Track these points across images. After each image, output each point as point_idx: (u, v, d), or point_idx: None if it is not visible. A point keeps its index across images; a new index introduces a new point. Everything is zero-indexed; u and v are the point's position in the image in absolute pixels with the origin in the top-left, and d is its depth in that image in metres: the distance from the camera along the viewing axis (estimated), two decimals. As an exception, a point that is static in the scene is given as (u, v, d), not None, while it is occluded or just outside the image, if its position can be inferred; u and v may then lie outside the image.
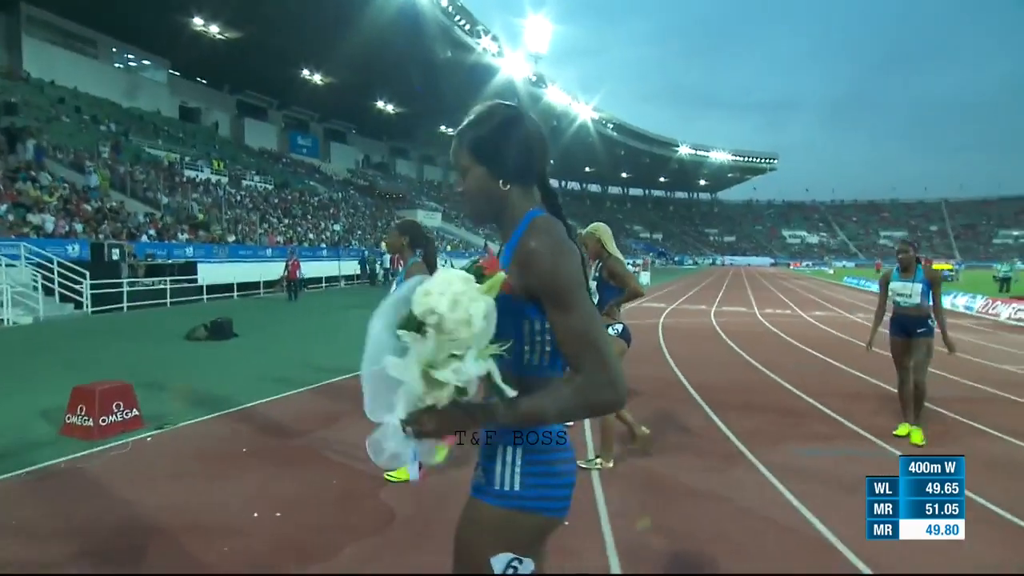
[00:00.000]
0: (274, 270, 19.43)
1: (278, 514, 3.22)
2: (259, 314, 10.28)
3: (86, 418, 4.48)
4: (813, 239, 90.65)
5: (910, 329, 4.51)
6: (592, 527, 3.12)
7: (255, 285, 18.49)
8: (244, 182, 30.47)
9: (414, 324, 1.03)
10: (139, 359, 7.92)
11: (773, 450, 4.36)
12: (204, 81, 38.87)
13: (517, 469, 1.20)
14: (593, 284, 3.92)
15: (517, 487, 1.19)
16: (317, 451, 4.29)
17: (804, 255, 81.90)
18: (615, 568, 2.75)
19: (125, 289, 13.80)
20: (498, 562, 1.17)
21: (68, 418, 4.56)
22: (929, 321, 4.48)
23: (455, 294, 1.02)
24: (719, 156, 78.96)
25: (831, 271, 51.81)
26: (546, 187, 1.28)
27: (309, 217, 29.90)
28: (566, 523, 1.31)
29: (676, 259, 72.95)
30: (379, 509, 3.32)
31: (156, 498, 3.45)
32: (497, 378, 1.06)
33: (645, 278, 30.40)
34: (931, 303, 4.48)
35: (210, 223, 22.19)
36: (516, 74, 41.08)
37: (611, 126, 56.99)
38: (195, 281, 16.09)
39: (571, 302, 1.10)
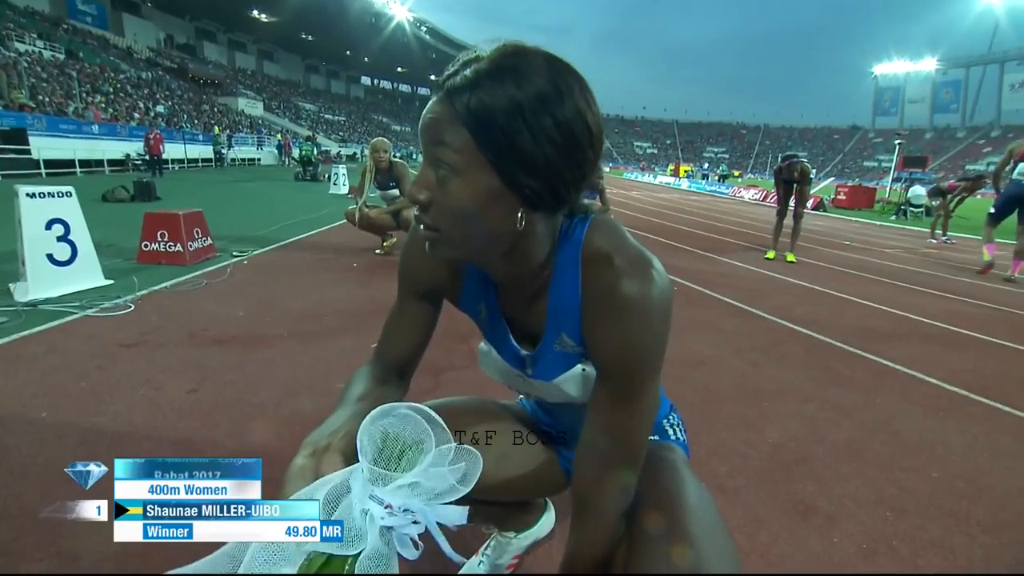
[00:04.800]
0: (113, 149, 15.51)
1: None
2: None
3: (172, 244, 3.73)
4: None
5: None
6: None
7: (99, 163, 14.48)
8: (20, 45, 22.28)
9: None
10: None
11: (729, 255, 5.51)
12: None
13: None
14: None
15: None
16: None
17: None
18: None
19: (-61, 157, 10.01)
20: None
21: (146, 245, 3.74)
22: None
23: None
24: (513, 68, 79.48)
25: (608, 169, 57.72)
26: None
27: (123, 96, 23.47)
28: None
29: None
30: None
31: (322, 290, 3.26)
32: None
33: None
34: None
35: (4, 89, 16.28)
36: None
37: (425, 29, 52.84)
38: (27, 153, 12.13)
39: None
